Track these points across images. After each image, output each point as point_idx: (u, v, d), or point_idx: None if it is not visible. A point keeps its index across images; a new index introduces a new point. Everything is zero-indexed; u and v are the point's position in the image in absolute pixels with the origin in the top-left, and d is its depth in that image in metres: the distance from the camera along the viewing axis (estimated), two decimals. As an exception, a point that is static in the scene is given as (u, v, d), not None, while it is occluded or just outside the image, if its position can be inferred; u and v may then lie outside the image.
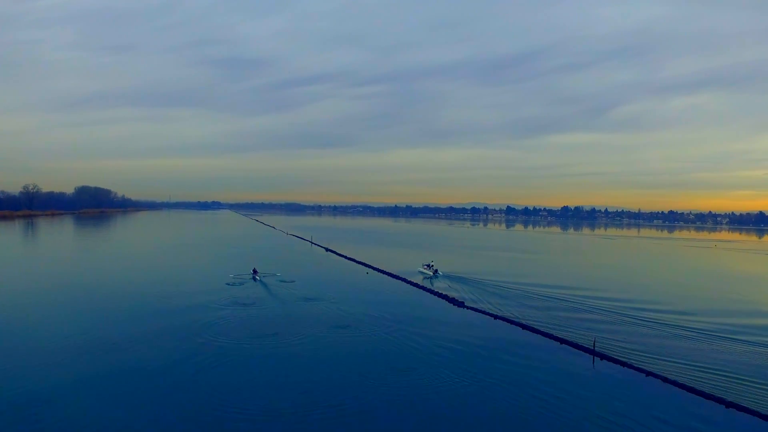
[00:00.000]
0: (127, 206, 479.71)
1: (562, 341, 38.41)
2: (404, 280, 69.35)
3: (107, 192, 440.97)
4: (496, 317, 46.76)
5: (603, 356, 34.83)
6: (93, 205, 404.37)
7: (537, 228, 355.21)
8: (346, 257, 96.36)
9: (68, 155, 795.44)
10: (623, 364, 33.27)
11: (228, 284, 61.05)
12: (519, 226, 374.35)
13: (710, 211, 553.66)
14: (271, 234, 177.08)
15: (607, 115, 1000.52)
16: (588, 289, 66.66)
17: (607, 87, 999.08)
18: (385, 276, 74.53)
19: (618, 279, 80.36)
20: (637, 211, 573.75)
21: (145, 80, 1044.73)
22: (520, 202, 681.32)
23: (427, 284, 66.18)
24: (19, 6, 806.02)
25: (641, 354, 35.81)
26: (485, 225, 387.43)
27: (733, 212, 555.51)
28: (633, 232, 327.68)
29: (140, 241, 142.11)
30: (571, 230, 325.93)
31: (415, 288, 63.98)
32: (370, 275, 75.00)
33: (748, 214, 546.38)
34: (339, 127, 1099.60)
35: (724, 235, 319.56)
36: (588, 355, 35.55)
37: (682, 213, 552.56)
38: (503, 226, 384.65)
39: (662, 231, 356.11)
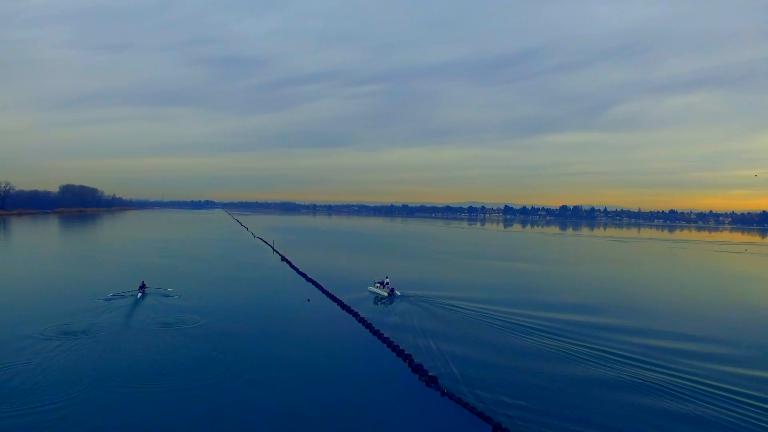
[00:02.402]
0: (114, 205, 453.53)
1: None
2: (353, 312, 45.66)
3: (93, 191, 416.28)
4: (497, 428, 22.36)
5: None
6: (78, 204, 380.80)
7: (535, 228, 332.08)
8: (297, 271, 72.22)
9: (64, 154, 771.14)
10: None
11: (55, 329, 36.41)
12: (517, 226, 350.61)
13: (711, 211, 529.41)
14: (239, 236, 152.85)
15: (603, 114, 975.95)
16: (632, 318, 42.63)
17: (603, 86, 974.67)
18: (330, 301, 50.96)
19: (674, 308, 55.91)
20: (636, 211, 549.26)
21: (141, 79, 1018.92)
22: (517, 201, 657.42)
23: (378, 315, 45.22)
24: (15, 4, 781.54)
25: None
26: (482, 225, 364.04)
27: (733, 211, 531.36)
28: (633, 231, 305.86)
29: (71, 243, 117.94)
30: (570, 230, 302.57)
31: (362, 328, 40.49)
32: (311, 303, 50.92)
33: (749, 213, 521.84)
34: (336, 126, 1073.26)
35: (728, 235, 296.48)
36: None
37: (683, 212, 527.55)
38: (501, 225, 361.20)
39: (664, 231, 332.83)
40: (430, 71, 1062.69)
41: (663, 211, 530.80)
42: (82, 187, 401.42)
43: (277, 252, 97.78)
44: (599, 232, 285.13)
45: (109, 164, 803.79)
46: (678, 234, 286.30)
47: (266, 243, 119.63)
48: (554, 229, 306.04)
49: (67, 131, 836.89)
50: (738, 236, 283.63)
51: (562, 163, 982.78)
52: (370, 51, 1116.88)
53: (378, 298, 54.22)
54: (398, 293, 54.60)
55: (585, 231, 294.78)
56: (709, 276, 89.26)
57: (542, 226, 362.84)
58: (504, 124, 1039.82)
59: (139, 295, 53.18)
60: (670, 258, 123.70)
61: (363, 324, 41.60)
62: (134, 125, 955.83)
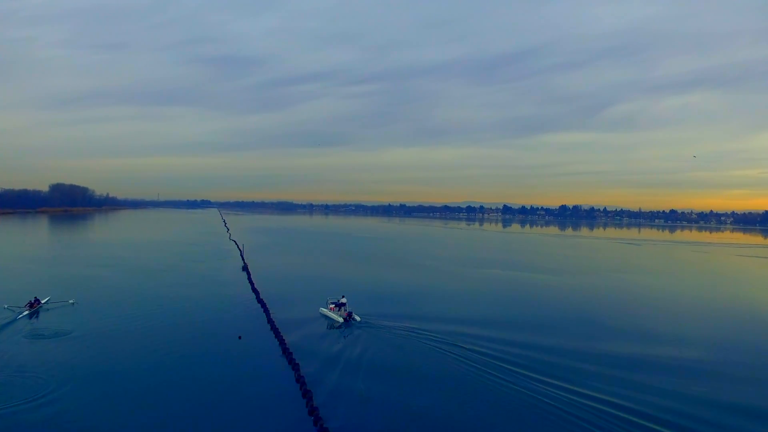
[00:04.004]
0: (103, 205, 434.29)
1: None
2: (293, 363, 31.05)
3: (84, 190, 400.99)
4: None
5: None
6: (68, 204, 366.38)
7: (535, 228, 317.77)
8: (252, 286, 57.72)
9: (60, 153, 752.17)
10: None
11: None
12: (516, 226, 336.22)
13: (711, 210, 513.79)
14: (213, 239, 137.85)
15: (601, 114, 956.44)
16: (680, 360, 28.39)
17: (601, 86, 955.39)
18: (270, 336, 36.90)
19: (743, 345, 41.53)
20: (637, 211, 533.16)
21: (138, 78, 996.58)
22: (516, 201, 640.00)
23: (325, 359, 31.14)
24: (11, 3, 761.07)
25: None
26: (481, 224, 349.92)
27: (734, 211, 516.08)
28: (634, 232, 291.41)
29: (6, 247, 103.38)
30: (570, 230, 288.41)
31: (297, 395, 25.76)
32: (243, 341, 36.39)
33: (750, 213, 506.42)
34: (333, 125, 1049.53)
35: (731, 236, 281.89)
36: None
37: (683, 212, 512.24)
38: (500, 225, 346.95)
39: (665, 231, 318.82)
40: (428, 71, 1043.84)
41: (663, 211, 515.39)
42: (72, 186, 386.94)
43: (243, 259, 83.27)
44: (603, 232, 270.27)
45: (105, 164, 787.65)
46: (686, 235, 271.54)
47: (238, 247, 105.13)
48: (554, 230, 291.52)
49: (63, 130, 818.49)
50: (749, 238, 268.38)
51: (560, 163, 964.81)
52: (368, 51, 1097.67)
53: (331, 325, 40.71)
54: (357, 318, 41.45)
55: (585, 231, 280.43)
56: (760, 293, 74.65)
57: (541, 226, 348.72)
58: (502, 124, 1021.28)
59: (24, 314, 39.99)
60: (702, 266, 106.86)
61: (300, 388, 27.15)
62: (131, 124, 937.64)
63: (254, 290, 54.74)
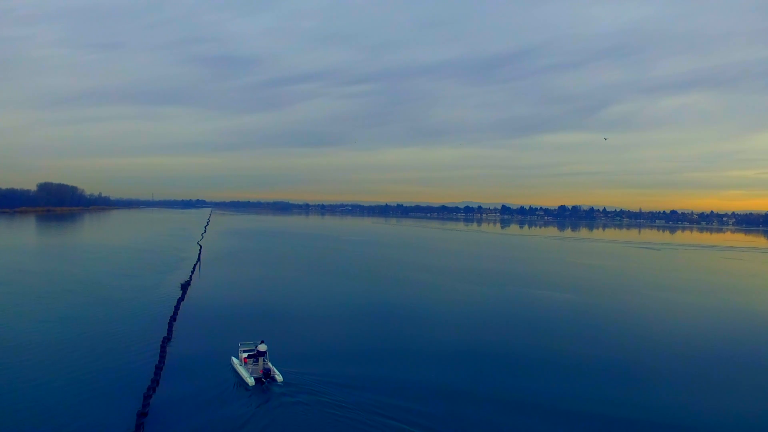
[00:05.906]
0: (90, 204, 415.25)
1: None
2: None
3: (72, 189, 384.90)
4: None
5: None
6: (57, 203, 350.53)
7: (534, 228, 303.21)
8: (173, 317, 41.83)
9: (56, 153, 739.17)
10: None
11: None
12: (515, 227, 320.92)
13: (712, 211, 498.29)
14: (179, 243, 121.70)
15: (598, 114, 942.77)
16: None
17: (598, 86, 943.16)
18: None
19: None
20: (637, 211, 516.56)
21: (134, 78, 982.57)
22: (514, 201, 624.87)
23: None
24: (6, 2, 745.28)
25: None
26: (479, 225, 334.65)
27: (734, 212, 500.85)
28: (637, 233, 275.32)
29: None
30: (569, 231, 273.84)
31: None
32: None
33: (751, 214, 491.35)
34: (329, 125, 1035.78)
35: (738, 237, 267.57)
36: None
37: (684, 213, 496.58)
38: (498, 226, 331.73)
39: (666, 232, 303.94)
40: (424, 71, 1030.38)
41: (664, 212, 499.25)
42: (60, 186, 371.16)
43: (192, 272, 67.58)
44: (608, 234, 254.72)
45: (100, 163, 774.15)
46: (695, 237, 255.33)
47: (199, 254, 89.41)
48: (554, 231, 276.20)
49: (58, 130, 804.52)
50: (760, 240, 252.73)
51: (557, 163, 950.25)
52: (364, 50, 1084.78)
53: (242, 386, 26.27)
54: (279, 378, 26.78)
55: (586, 232, 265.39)
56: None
57: (540, 227, 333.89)
58: (499, 124, 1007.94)
59: None
60: (743, 277, 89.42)
61: None
62: (127, 124, 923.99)
63: (170, 325, 38.91)
